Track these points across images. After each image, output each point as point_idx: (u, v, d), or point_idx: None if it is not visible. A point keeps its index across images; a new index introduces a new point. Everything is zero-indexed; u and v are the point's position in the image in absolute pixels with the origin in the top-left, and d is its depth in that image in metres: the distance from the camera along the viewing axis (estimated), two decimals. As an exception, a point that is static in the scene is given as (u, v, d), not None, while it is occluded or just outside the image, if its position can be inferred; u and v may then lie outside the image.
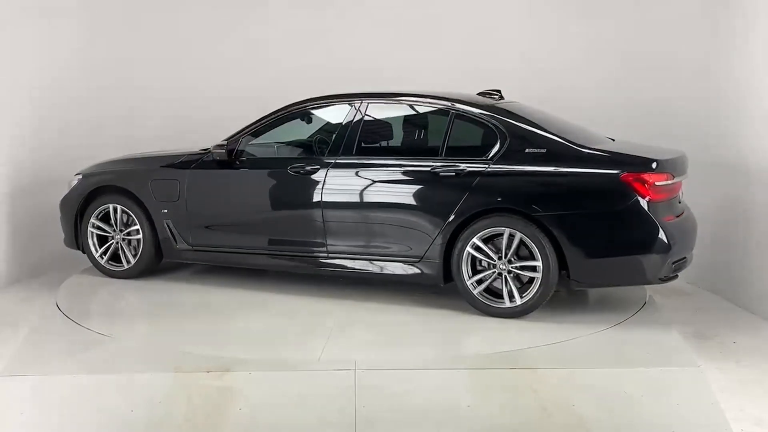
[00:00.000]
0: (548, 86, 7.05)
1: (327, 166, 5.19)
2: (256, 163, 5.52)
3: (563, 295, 5.20)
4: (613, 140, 5.26)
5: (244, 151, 5.54)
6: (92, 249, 5.93)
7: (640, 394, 3.82)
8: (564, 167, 4.69)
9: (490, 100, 5.29)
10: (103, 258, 5.89)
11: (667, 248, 4.53)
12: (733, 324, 5.06)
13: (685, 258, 4.79)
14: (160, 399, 3.75)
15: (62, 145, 6.87)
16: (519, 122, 4.91)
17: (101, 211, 5.88)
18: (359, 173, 5.15)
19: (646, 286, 5.79)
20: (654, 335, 4.66)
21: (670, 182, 4.66)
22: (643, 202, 4.50)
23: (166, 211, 5.65)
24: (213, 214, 5.61)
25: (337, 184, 5.16)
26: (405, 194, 5.02)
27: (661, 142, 6.27)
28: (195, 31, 7.54)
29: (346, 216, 5.19)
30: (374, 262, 5.14)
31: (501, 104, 5.20)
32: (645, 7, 6.89)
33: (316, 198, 5.18)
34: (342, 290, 5.42)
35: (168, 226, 5.67)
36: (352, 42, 7.46)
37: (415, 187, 4.99)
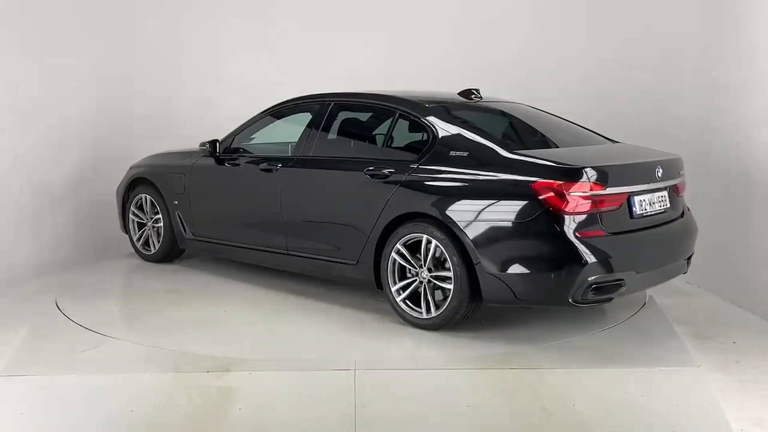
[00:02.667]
0: (548, 86, 7.06)
1: (286, 165, 5.34)
2: (238, 160, 5.79)
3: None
4: (616, 142, 5.22)
5: (239, 149, 5.85)
6: (131, 234, 6.59)
7: (640, 394, 3.82)
8: (481, 172, 4.41)
9: (454, 98, 5.20)
10: (138, 242, 6.53)
11: (578, 267, 4.08)
12: (733, 324, 5.06)
13: (621, 280, 4.23)
14: (160, 399, 3.75)
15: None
16: (448, 123, 4.71)
17: (137, 201, 6.49)
18: (308, 174, 5.24)
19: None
20: (654, 335, 4.67)
21: (598, 193, 4.17)
22: (555, 215, 4.11)
23: (176, 202, 6.14)
24: (205, 209, 5.98)
25: (291, 184, 5.29)
26: (343, 195, 5.01)
27: (660, 141, 6.28)
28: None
29: (298, 214, 5.29)
30: (323, 261, 5.17)
31: (445, 103, 5.05)
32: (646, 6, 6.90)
33: (276, 196, 5.36)
34: (343, 290, 5.42)
35: (178, 216, 6.14)
36: (353, 42, 7.47)
37: (351, 189, 4.96)
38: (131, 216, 6.52)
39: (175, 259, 6.50)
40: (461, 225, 4.35)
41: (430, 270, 4.54)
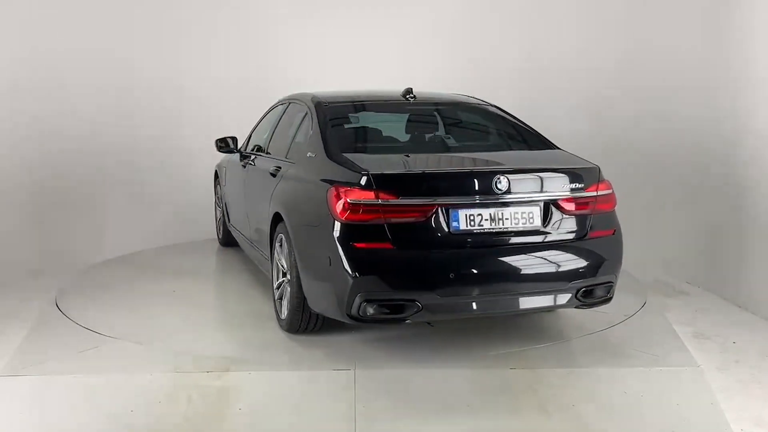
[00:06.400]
0: (544, 86, 7.07)
1: (251, 162, 5.59)
2: (241, 157, 5.97)
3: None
4: (556, 148, 4.67)
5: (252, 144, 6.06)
6: (216, 220, 7.19)
7: (640, 394, 3.82)
8: (309, 175, 4.36)
9: (388, 98, 5.16)
10: (219, 229, 7.13)
11: (349, 280, 3.78)
12: (733, 324, 5.06)
13: (412, 301, 3.82)
14: (160, 399, 3.75)
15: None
16: (322, 123, 4.59)
17: (216, 191, 7.09)
18: (252, 170, 5.48)
19: (645, 286, 5.81)
20: (654, 335, 4.67)
21: (387, 203, 3.80)
22: (335, 222, 3.85)
23: (219, 194, 6.75)
24: (229, 200, 6.41)
25: (249, 179, 5.55)
26: (260, 192, 5.09)
27: (660, 141, 6.28)
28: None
29: (248, 208, 5.51)
30: (259, 253, 5.26)
31: (351, 102, 5.09)
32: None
33: (244, 190, 5.68)
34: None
35: (224, 205, 6.58)
36: (352, 42, 7.47)
37: (263, 185, 5.03)
38: (215, 206, 7.11)
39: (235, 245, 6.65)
40: (290, 228, 4.30)
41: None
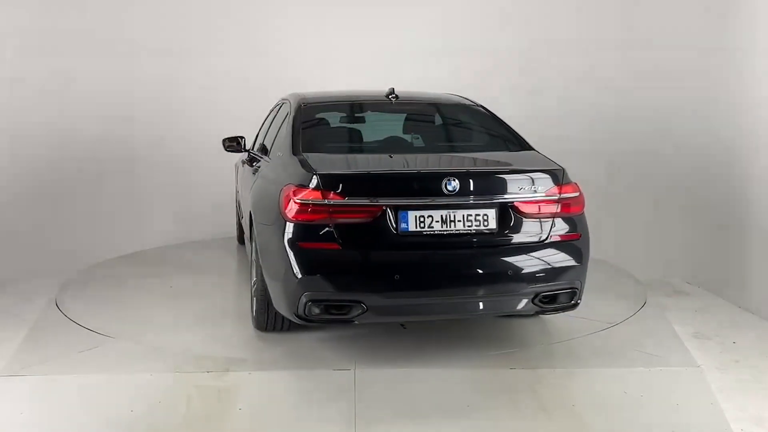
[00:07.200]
0: (545, 85, 7.07)
1: (250, 161, 5.52)
2: (247, 156, 5.90)
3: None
4: (531, 149, 4.58)
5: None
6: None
7: (640, 394, 3.82)
8: (273, 174, 4.42)
9: (372, 98, 5.18)
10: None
11: (294, 279, 3.80)
12: (733, 324, 5.06)
13: (357, 302, 3.80)
14: (160, 399, 3.75)
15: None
16: (300, 122, 4.63)
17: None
18: (249, 169, 5.42)
19: (646, 285, 5.81)
20: (654, 335, 4.67)
21: (333, 203, 3.79)
22: (284, 221, 3.88)
23: (235, 191, 6.66)
24: (239, 200, 6.33)
25: (246, 177, 5.49)
26: (247, 190, 5.12)
27: (660, 141, 6.28)
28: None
29: (245, 206, 5.47)
30: None
31: (332, 102, 5.17)
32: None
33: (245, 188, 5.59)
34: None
35: (237, 204, 6.56)
36: (353, 42, 7.47)
37: (249, 185, 5.07)
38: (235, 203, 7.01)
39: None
40: (255, 226, 4.34)
41: None
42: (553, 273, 4.01)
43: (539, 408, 3.68)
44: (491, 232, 3.93)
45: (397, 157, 4.43)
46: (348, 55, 7.46)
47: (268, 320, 4.44)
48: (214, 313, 5.07)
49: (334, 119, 5.17)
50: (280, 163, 4.41)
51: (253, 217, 4.50)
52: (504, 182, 4.03)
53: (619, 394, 3.84)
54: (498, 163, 4.41)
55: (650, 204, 6.71)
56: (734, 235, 5.67)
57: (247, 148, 5.95)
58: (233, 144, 5.74)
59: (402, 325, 4.65)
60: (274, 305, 4.19)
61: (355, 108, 5.27)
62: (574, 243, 4.10)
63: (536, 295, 3.99)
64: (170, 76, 7.51)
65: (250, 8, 7.59)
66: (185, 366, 4.06)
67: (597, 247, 6.72)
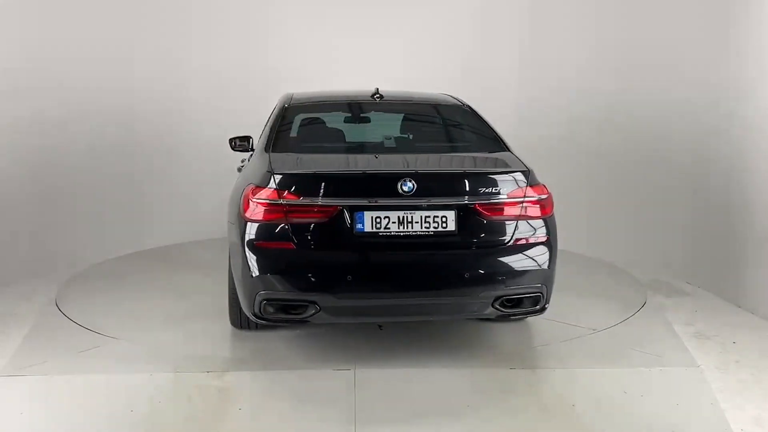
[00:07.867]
0: (546, 85, 7.07)
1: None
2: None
3: (561, 296, 5.19)
4: (507, 150, 4.46)
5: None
6: None
7: (640, 394, 3.82)
8: (244, 173, 4.47)
9: (357, 98, 5.16)
10: None
11: (249, 278, 3.82)
12: (733, 324, 5.06)
13: (311, 302, 3.78)
14: (160, 399, 3.75)
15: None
16: (284, 122, 4.67)
17: None
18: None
19: (646, 285, 5.81)
20: (654, 335, 4.67)
21: (289, 202, 3.79)
22: (243, 220, 3.90)
23: None
24: None
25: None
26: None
27: (661, 141, 6.27)
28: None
29: None
30: None
31: (321, 102, 5.17)
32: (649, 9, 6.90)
33: None
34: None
35: None
36: (353, 42, 7.48)
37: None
38: None
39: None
40: (227, 224, 4.36)
41: None
42: (514, 276, 3.93)
43: (539, 408, 3.68)
44: (450, 234, 3.86)
45: (362, 157, 4.43)
46: (350, 55, 7.46)
47: (240, 318, 4.45)
48: (214, 314, 5.07)
49: (315, 119, 5.12)
50: (253, 162, 4.48)
51: (227, 216, 4.48)
52: (464, 184, 3.97)
53: (619, 394, 3.84)
54: (462, 164, 4.36)
55: (650, 204, 6.70)
56: (734, 235, 5.67)
57: (254, 147, 5.94)
58: (244, 143, 5.64)
59: (379, 326, 4.63)
60: (241, 302, 4.12)
61: (337, 108, 5.24)
62: (540, 246, 4.00)
63: (496, 299, 3.90)
64: (171, 76, 7.50)
65: (250, 8, 7.60)
66: (185, 366, 4.07)
67: (597, 248, 6.76)
